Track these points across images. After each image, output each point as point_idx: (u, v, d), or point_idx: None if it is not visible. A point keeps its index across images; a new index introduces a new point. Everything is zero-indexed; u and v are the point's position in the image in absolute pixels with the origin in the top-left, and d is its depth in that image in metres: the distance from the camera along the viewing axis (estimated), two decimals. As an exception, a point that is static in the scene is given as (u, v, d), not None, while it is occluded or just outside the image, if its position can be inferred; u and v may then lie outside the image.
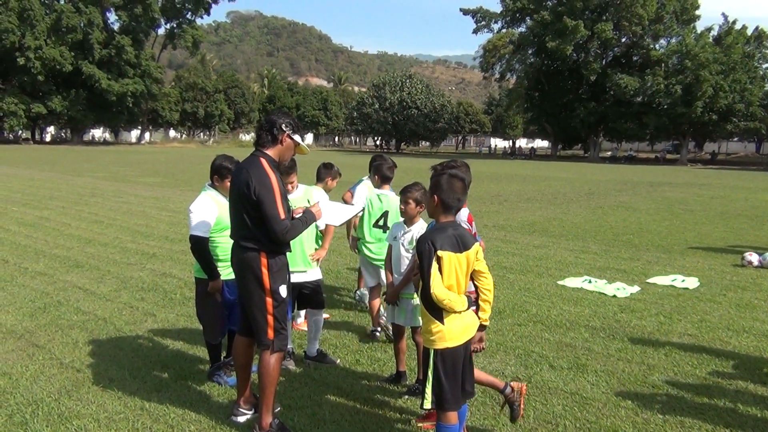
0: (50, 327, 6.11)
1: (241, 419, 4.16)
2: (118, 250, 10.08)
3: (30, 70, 62.57)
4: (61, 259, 9.32)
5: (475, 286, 3.64)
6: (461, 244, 3.46)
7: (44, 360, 5.22)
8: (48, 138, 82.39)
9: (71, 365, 5.12)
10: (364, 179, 7.30)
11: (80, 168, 30.92)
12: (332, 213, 4.82)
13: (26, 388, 4.63)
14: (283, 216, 3.82)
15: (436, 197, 3.54)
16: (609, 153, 75.64)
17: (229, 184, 4.56)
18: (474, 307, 3.64)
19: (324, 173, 6.30)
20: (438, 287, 3.36)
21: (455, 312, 3.44)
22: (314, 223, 4.37)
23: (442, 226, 3.52)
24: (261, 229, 3.84)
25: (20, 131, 71.78)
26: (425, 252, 3.39)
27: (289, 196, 4.83)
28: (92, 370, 5.02)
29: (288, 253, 4.12)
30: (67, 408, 4.32)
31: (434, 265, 3.37)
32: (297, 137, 4.05)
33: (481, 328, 3.67)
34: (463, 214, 4.35)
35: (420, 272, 3.47)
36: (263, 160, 3.90)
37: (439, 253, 3.37)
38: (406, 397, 4.59)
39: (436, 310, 3.44)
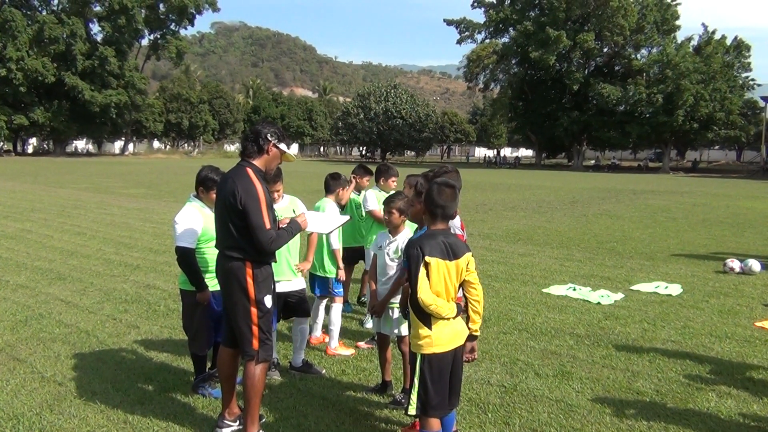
0: (32, 340, 6.03)
1: (226, 431, 4.13)
2: (102, 262, 9.99)
3: (12, 82, 61.96)
4: (43, 271, 9.22)
5: (465, 297, 3.65)
6: (451, 252, 3.47)
7: (25, 374, 5.15)
8: (30, 150, 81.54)
9: (53, 379, 5.06)
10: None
11: (63, 179, 30.65)
12: (319, 222, 4.82)
13: (7, 403, 4.57)
14: (268, 226, 3.82)
15: (425, 206, 3.57)
16: (592, 162, 76.23)
17: (214, 195, 4.55)
18: (463, 313, 3.65)
19: (333, 185, 6.19)
20: (425, 292, 3.37)
21: (442, 318, 3.45)
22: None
23: (432, 233, 3.54)
24: (246, 238, 3.84)
25: (2, 143, 71.00)
26: (413, 257, 3.42)
27: (275, 206, 4.82)
28: (74, 383, 4.97)
29: (273, 263, 4.11)
30: (49, 422, 4.26)
31: (422, 271, 3.39)
32: (282, 146, 4.06)
33: (472, 338, 3.67)
34: (456, 221, 4.38)
35: (408, 277, 3.49)
36: (249, 170, 3.91)
37: (427, 258, 3.39)
38: (392, 407, 4.59)
39: (424, 316, 3.45)
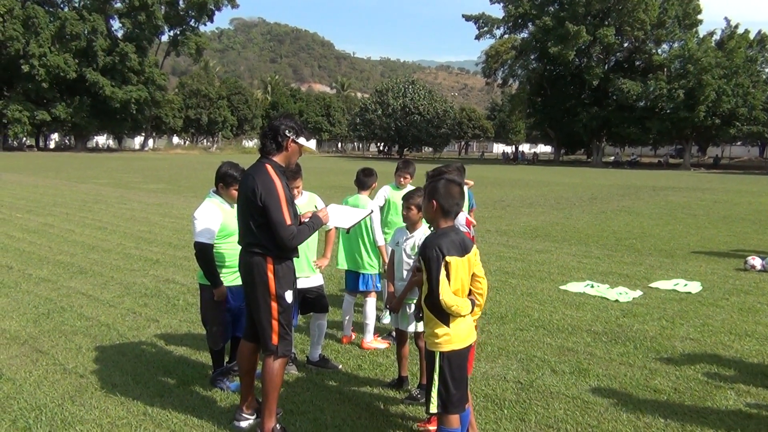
0: (54, 333, 6.13)
1: (244, 424, 4.17)
2: (122, 257, 10.11)
3: (34, 78, 62.85)
4: (64, 265, 9.35)
5: (470, 290, 3.64)
6: (463, 247, 3.48)
7: (48, 365, 5.25)
8: (52, 145, 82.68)
9: (74, 371, 5.14)
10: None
11: (84, 175, 31.02)
12: (341, 216, 4.82)
13: (30, 394, 4.66)
14: (289, 222, 3.84)
15: (435, 203, 3.55)
16: (612, 158, 75.49)
17: (233, 191, 4.59)
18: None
19: (368, 181, 6.14)
20: (447, 294, 3.36)
21: (461, 316, 3.46)
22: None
23: (445, 232, 3.52)
24: (267, 234, 3.86)
25: (24, 138, 71.98)
26: (433, 258, 3.38)
27: (295, 202, 4.85)
28: (95, 375, 5.05)
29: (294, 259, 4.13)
30: (71, 413, 4.34)
31: (443, 272, 3.37)
32: (301, 140, 4.07)
33: None
34: (461, 219, 4.37)
35: (428, 279, 3.46)
36: (269, 167, 3.93)
37: (447, 258, 3.38)
38: (408, 402, 4.60)
39: (443, 314, 3.45)
